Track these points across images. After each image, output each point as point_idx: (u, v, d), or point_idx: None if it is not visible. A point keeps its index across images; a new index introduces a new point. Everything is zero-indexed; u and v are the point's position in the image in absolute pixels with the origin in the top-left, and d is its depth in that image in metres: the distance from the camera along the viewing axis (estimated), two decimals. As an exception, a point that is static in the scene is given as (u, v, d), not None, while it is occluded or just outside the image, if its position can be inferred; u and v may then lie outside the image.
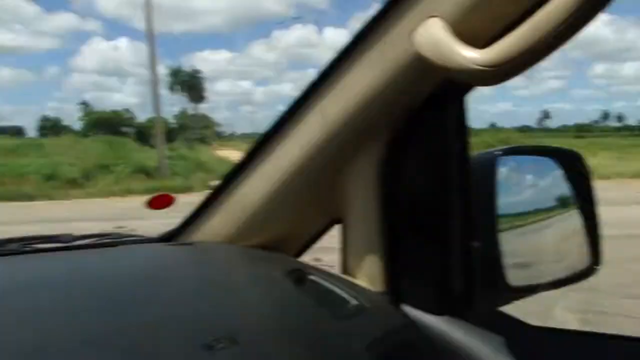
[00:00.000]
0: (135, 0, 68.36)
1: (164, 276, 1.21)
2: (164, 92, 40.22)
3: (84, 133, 36.73)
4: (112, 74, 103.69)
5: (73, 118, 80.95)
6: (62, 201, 14.60)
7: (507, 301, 1.01)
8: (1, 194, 15.19)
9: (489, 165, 1.00)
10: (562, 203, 1.09)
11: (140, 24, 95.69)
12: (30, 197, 14.85)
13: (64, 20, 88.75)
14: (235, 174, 1.16)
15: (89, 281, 1.22)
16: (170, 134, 41.34)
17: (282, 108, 1.08)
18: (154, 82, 22.71)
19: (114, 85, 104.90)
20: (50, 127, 48.03)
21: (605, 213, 1.06)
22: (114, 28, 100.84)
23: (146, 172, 19.95)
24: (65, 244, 1.51)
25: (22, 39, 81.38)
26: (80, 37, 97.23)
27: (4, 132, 44.83)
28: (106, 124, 37.14)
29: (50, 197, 15.09)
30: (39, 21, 78.17)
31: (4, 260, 1.37)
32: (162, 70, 45.02)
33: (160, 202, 1.68)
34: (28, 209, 12.93)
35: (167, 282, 1.18)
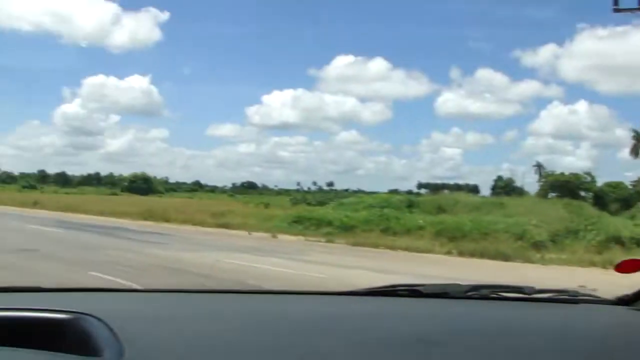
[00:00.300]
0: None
1: (614, 342, 1.30)
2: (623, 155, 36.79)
3: (540, 194, 36.65)
4: (566, 137, 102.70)
5: (525, 179, 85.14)
6: (537, 265, 14.25)
7: None
8: (475, 250, 15.97)
9: None
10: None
11: (605, 85, 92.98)
12: (505, 257, 15.02)
13: (528, 87, 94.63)
14: None
15: (543, 332, 1.41)
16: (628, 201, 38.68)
17: None
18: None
19: (566, 149, 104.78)
20: (503, 187, 50.12)
21: None
22: (573, 92, 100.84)
23: (620, 241, 18.02)
24: (527, 295, 1.79)
25: (489, 107, 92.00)
26: (540, 103, 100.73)
27: (461, 189, 49.03)
28: (563, 187, 36.19)
29: (526, 259, 14.93)
30: (505, 90, 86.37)
31: (474, 304, 1.82)
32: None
33: (631, 266, 1.72)
34: (511, 269, 13.09)
35: (624, 348, 1.28)
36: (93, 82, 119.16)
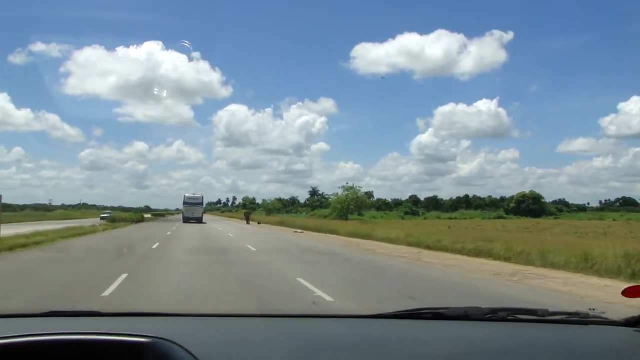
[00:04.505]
0: None
1: None
2: None
3: None
4: None
5: None
6: None
7: None
8: None
9: None
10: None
11: None
12: None
13: None
14: None
15: (556, 353, 1.57)
16: None
17: None
18: None
19: None
20: None
21: None
22: None
23: None
24: (541, 317, 1.93)
25: None
26: None
27: None
28: None
29: None
30: None
31: (493, 326, 1.93)
32: None
33: (637, 291, 1.81)
34: None
35: None
36: (444, 111, 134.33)
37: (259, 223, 62.54)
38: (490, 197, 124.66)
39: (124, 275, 11.17)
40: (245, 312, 3.14)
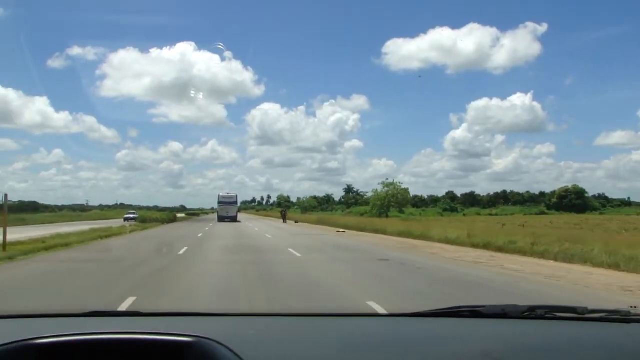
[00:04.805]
0: None
1: None
2: None
3: None
4: None
5: None
6: None
7: None
8: None
9: None
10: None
11: None
12: None
13: None
14: None
15: (597, 351, 1.53)
16: None
17: None
18: None
19: None
20: None
21: None
22: None
23: None
24: (581, 315, 1.95)
25: None
26: None
27: None
28: None
29: None
30: None
31: (531, 323, 1.95)
32: None
33: None
34: None
35: None
36: (477, 105, 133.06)
37: (296, 222, 59.52)
38: (528, 192, 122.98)
39: (130, 300, 8.08)
40: (285, 311, 2.82)
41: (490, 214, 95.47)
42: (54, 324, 1.96)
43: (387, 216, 68.15)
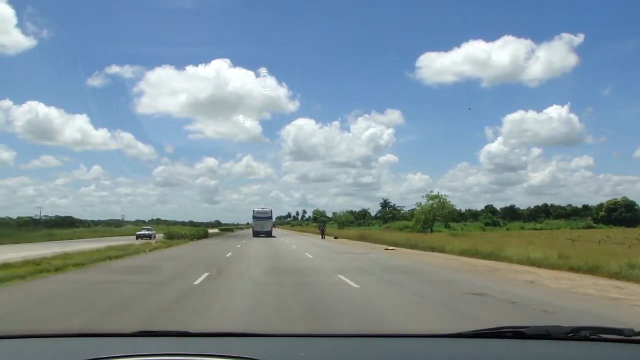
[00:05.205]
0: None
1: None
2: None
3: None
4: None
5: None
6: None
7: None
8: None
9: None
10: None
11: None
12: None
13: None
14: None
15: None
16: None
17: None
18: None
19: None
20: None
21: None
22: None
23: None
24: (627, 337, 1.88)
25: None
26: None
27: None
28: None
29: None
30: None
31: (576, 345, 1.91)
32: None
33: None
34: None
35: None
36: (513, 118, 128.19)
37: (335, 238, 55.05)
38: (570, 205, 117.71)
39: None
40: (333, 332, 2.87)
41: (535, 229, 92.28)
42: (107, 344, 2.01)
43: (431, 231, 63.13)
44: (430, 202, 64.18)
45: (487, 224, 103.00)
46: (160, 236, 48.54)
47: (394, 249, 32.21)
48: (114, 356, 1.49)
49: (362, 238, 49.50)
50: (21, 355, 1.76)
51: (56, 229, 69.73)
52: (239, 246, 35.10)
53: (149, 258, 23.30)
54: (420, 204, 66.08)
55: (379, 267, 18.74)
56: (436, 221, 65.89)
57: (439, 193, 65.53)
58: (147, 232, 53.59)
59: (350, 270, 16.46)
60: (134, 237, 50.40)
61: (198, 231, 53.76)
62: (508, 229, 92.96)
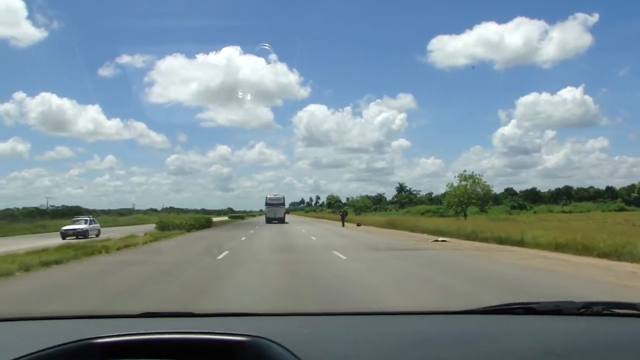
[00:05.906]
0: None
1: None
2: None
3: None
4: None
5: None
6: None
7: None
8: None
9: None
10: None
11: None
12: None
13: None
14: None
15: None
16: None
17: None
18: None
19: None
20: None
21: None
22: None
23: None
24: (639, 311, 1.83)
25: None
26: None
27: None
28: None
29: None
30: None
31: (587, 320, 1.85)
32: None
33: None
34: None
35: None
36: (526, 101, 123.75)
37: (358, 225, 47.76)
38: (592, 187, 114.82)
39: None
40: (340, 310, 2.68)
41: (564, 211, 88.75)
42: (110, 324, 2.00)
43: (465, 215, 55.86)
44: (464, 182, 56.62)
45: (513, 207, 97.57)
46: (149, 227, 40.48)
47: (444, 240, 24.85)
48: (117, 334, 1.37)
49: (391, 225, 42.10)
50: (18, 337, 1.70)
51: (59, 219, 63.90)
52: (243, 238, 28.11)
53: (104, 262, 15.97)
54: (452, 184, 58.53)
55: (452, 272, 11.06)
56: (470, 204, 58.42)
57: (473, 172, 57.99)
58: (79, 227, 33.81)
59: (425, 292, 9.09)
60: (138, 227, 42.96)
61: (198, 220, 46.12)
62: (535, 212, 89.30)
